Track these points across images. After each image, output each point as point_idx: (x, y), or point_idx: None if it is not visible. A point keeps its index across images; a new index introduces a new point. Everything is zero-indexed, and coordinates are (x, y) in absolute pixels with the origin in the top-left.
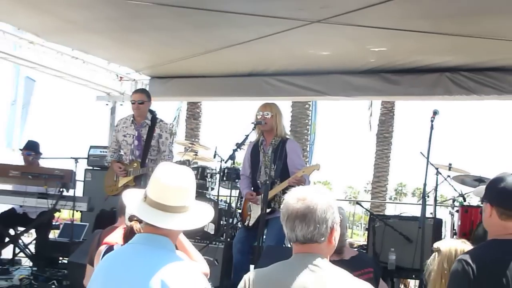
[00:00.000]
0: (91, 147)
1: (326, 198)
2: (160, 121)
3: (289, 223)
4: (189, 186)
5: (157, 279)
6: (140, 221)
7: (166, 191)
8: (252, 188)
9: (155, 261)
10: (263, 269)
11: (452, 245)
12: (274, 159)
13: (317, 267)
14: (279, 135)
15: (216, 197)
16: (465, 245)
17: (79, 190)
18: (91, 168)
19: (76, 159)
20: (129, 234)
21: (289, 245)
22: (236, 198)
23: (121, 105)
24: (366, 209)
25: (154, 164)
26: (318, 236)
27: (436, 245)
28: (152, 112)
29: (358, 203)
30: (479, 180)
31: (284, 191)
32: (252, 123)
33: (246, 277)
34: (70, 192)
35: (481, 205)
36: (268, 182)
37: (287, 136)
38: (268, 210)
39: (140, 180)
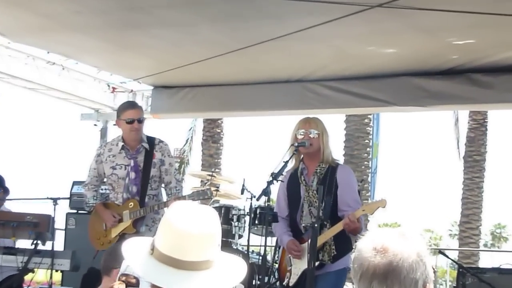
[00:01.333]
0: (75, 183)
1: (416, 248)
2: (160, 142)
3: (363, 283)
4: (214, 233)
5: None
6: (130, 283)
7: (183, 241)
8: (292, 234)
9: None
10: None
11: None
12: (322, 194)
13: None
14: (326, 160)
15: (245, 248)
16: None
17: (59, 243)
18: (74, 211)
19: (54, 200)
20: None
21: None
22: (274, 248)
23: (114, 125)
24: (452, 260)
25: (155, 201)
26: None
27: None
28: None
29: (441, 252)
30: None
31: (334, 238)
32: (293, 145)
33: None
34: (48, 245)
35: None
36: (316, 225)
37: (337, 161)
38: (316, 264)
39: (141, 224)
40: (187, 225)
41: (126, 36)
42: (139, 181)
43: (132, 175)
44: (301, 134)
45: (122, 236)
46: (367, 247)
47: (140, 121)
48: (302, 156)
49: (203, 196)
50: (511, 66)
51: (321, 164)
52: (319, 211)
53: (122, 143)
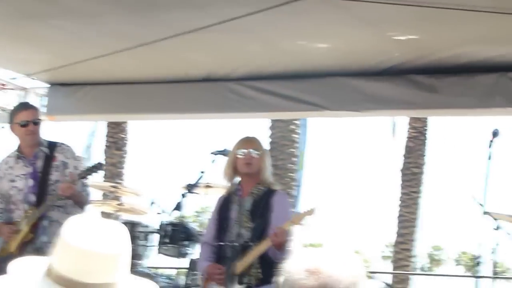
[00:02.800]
0: None
1: (352, 270)
2: (62, 144)
3: None
4: (122, 253)
5: None
6: None
7: (85, 261)
8: (216, 257)
9: None
10: None
11: None
12: (253, 214)
13: None
14: (264, 182)
15: (152, 270)
16: None
17: None
18: None
19: None
20: None
21: None
22: (187, 270)
23: (3, 127)
24: (386, 284)
25: (61, 212)
26: None
27: None
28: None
29: (372, 275)
30: None
31: (260, 261)
32: (212, 153)
33: None
34: None
35: None
36: (238, 246)
37: (275, 187)
38: None
39: (43, 232)
40: (89, 242)
41: (20, 26)
42: (37, 188)
43: (30, 182)
44: (240, 154)
45: (23, 248)
46: (298, 269)
47: (36, 123)
48: (244, 172)
49: (94, 170)
50: (459, 67)
51: (258, 185)
52: (242, 230)
53: (17, 152)
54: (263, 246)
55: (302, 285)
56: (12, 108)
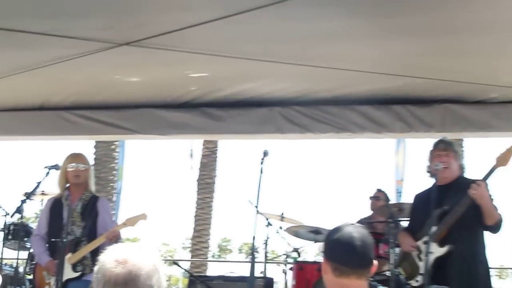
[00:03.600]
0: None
1: (152, 260)
2: None
3: None
4: None
5: None
6: None
7: None
8: (51, 252)
9: None
10: None
11: None
12: (84, 215)
13: None
14: (90, 190)
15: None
16: None
17: None
18: None
19: None
20: None
21: None
22: (25, 261)
23: None
24: (185, 269)
25: None
26: None
27: None
28: None
29: (175, 262)
30: (316, 232)
31: (92, 254)
32: (46, 167)
33: None
34: None
35: (319, 260)
36: (66, 240)
37: (98, 194)
38: (76, 275)
39: None
40: None
41: None
42: None
43: None
44: (70, 168)
45: None
46: (110, 259)
47: None
48: (67, 184)
49: None
50: (240, 101)
51: (86, 192)
52: (75, 229)
53: None
54: (98, 242)
55: (112, 272)
56: None
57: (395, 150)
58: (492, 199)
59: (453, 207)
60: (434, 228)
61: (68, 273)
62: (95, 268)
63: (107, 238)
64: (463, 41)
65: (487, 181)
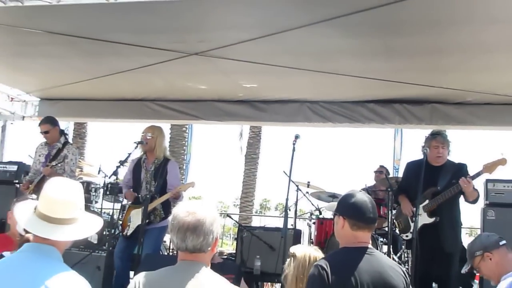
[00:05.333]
0: None
1: (212, 212)
2: (70, 144)
3: (180, 234)
4: (76, 200)
5: (40, 284)
6: None
7: (53, 204)
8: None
9: (39, 268)
10: (151, 272)
11: (306, 251)
12: (155, 176)
13: (200, 274)
14: (159, 155)
15: (99, 210)
16: (317, 252)
17: None
18: None
19: None
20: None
21: (165, 253)
22: (118, 210)
23: (12, 123)
24: (235, 221)
25: None
26: (206, 246)
27: (292, 250)
28: (64, 134)
29: (228, 215)
30: (333, 196)
31: (162, 205)
32: (134, 142)
33: (136, 279)
34: None
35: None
36: (148, 196)
37: (169, 157)
38: (147, 221)
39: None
40: (56, 193)
41: (21, 62)
42: (45, 164)
43: (43, 160)
44: (142, 136)
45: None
46: (182, 211)
47: (46, 132)
48: (145, 150)
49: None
50: (278, 100)
51: (157, 157)
52: (151, 187)
53: (46, 141)
54: (163, 198)
55: (185, 220)
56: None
57: (394, 137)
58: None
59: (445, 190)
60: (426, 201)
61: (139, 220)
62: (170, 217)
63: (171, 196)
64: (447, 60)
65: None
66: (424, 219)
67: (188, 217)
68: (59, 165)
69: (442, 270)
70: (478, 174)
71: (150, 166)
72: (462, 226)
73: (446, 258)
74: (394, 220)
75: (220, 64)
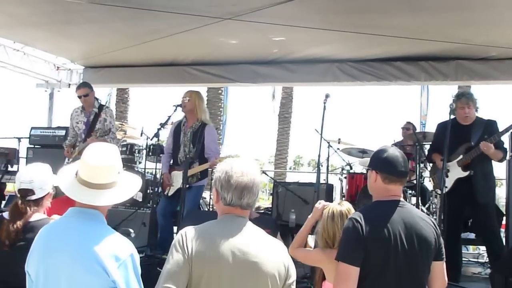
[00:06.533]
0: (32, 128)
1: (258, 172)
2: (106, 107)
3: (237, 192)
4: (114, 164)
5: (88, 247)
6: None
7: (92, 171)
8: (172, 162)
9: (86, 232)
10: (197, 226)
11: (330, 206)
12: (193, 141)
13: (247, 227)
14: (199, 119)
15: (143, 170)
16: (340, 206)
17: (22, 166)
18: (32, 146)
19: (19, 139)
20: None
21: (205, 209)
22: (160, 170)
23: (59, 91)
24: (270, 177)
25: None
26: (254, 203)
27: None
28: (98, 100)
29: (264, 172)
30: (363, 152)
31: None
32: (173, 105)
33: (182, 232)
34: (14, 168)
35: (364, 172)
36: (187, 159)
37: (207, 122)
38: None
39: None
40: (94, 160)
41: (65, 29)
42: (87, 132)
43: (84, 127)
44: (182, 98)
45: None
46: (237, 171)
47: (86, 95)
48: (185, 113)
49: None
50: (308, 59)
51: (196, 121)
52: (189, 151)
53: (82, 108)
54: (202, 167)
55: (242, 180)
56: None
57: (420, 93)
58: (500, 147)
59: (476, 145)
60: (460, 156)
61: (179, 183)
62: (220, 175)
63: (210, 167)
64: (471, 15)
65: (502, 136)
66: (458, 173)
67: (244, 177)
68: (105, 137)
69: (478, 222)
70: (507, 130)
71: (188, 130)
72: (496, 178)
73: (480, 209)
74: (430, 177)
75: (251, 25)
